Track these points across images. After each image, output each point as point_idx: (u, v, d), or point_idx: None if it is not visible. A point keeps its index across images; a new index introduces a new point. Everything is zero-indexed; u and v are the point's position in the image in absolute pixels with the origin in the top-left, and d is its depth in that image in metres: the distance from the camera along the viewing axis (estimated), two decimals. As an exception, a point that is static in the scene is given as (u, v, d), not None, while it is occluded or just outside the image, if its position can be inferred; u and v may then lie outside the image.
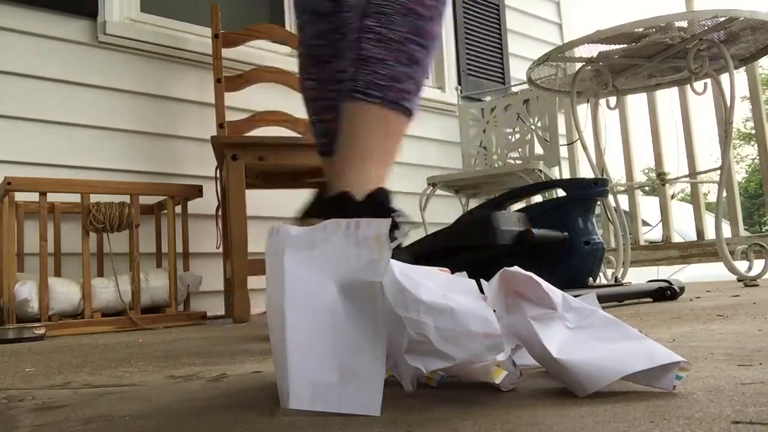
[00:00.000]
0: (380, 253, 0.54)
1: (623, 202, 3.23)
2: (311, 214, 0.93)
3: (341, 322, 0.53)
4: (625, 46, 2.43)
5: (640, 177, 3.86)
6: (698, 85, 2.53)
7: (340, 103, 0.99)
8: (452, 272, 0.67)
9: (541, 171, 2.81)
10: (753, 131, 5.81)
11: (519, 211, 1.91)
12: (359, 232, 0.56)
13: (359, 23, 1.02)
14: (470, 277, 0.67)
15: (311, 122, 1.21)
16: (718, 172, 2.49)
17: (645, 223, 4.03)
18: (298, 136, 2.61)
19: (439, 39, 1.01)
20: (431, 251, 1.80)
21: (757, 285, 2.32)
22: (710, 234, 3.07)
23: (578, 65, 2.55)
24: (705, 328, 0.99)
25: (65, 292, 1.99)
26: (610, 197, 2.55)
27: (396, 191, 1.44)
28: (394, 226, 0.82)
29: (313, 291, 0.54)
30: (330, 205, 0.88)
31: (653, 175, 3.67)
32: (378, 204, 0.89)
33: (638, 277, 2.76)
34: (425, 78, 1.00)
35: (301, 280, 0.54)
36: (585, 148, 2.54)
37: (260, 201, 2.67)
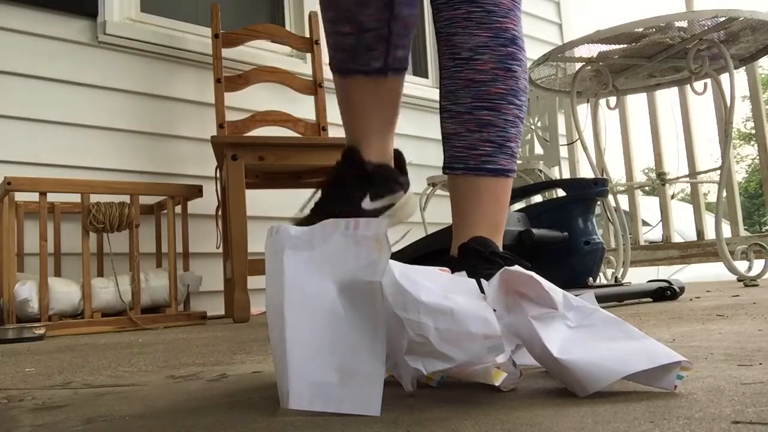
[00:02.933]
0: (379, 253, 0.55)
1: (623, 202, 3.23)
2: None
3: (341, 322, 0.53)
4: (625, 46, 2.43)
5: (640, 177, 3.85)
6: (698, 85, 2.53)
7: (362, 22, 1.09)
8: (452, 272, 0.67)
9: (541, 171, 2.82)
10: (753, 131, 5.81)
11: (519, 211, 1.91)
12: (358, 232, 0.56)
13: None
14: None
15: (327, 35, 1.17)
16: (718, 172, 2.49)
17: (645, 223, 4.03)
18: (298, 136, 2.61)
19: (513, 94, 1.04)
20: (431, 251, 1.80)
21: (757, 285, 2.32)
22: (710, 234, 3.07)
23: (578, 65, 2.55)
24: (705, 328, 0.99)
25: (65, 292, 1.99)
26: (610, 197, 2.55)
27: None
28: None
29: (312, 291, 0.54)
30: None
31: (653, 175, 3.67)
32: (471, 253, 0.93)
33: (638, 277, 2.76)
34: (511, 134, 1.04)
35: (301, 279, 0.54)
36: (585, 148, 2.54)
37: (260, 201, 2.67)
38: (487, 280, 0.74)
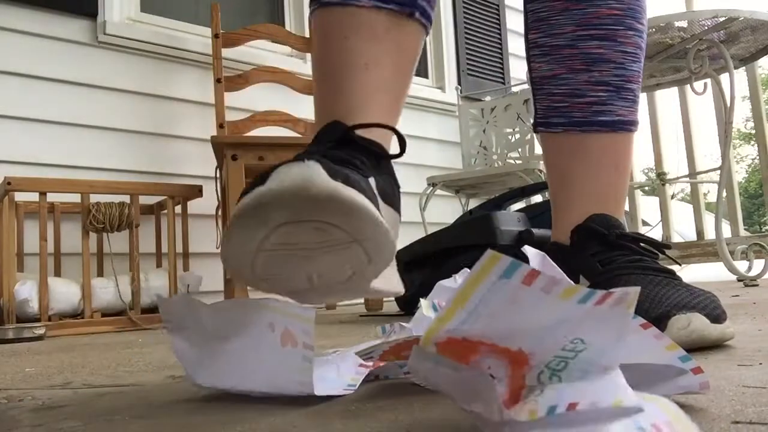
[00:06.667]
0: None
1: (623, 202, 3.22)
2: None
3: None
4: (625, 46, 2.43)
5: (640, 177, 3.86)
6: (698, 85, 2.53)
7: None
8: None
9: (541, 171, 2.81)
10: (753, 131, 5.82)
11: (519, 211, 1.91)
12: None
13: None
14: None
15: None
16: (718, 172, 2.49)
17: (645, 223, 4.03)
18: (299, 136, 2.61)
19: (632, 14, 0.78)
20: (431, 252, 1.80)
21: (757, 285, 2.32)
22: (710, 234, 3.07)
23: (578, 65, 2.56)
24: (705, 328, 0.99)
25: (65, 292, 1.99)
26: (610, 197, 2.54)
27: (396, 191, 1.43)
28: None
29: None
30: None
31: (653, 175, 3.67)
32: (591, 236, 0.73)
33: (638, 277, 2.75)
34: (633, 72, 0.79)
35: None
36: (585, 148, 2.54)
37: (260, 201, 2.67)
38: (625, 272, 0.66)
